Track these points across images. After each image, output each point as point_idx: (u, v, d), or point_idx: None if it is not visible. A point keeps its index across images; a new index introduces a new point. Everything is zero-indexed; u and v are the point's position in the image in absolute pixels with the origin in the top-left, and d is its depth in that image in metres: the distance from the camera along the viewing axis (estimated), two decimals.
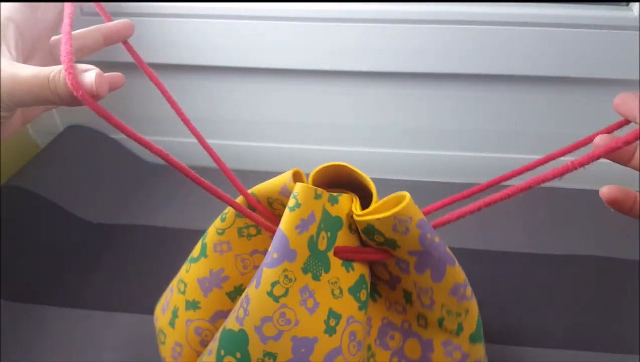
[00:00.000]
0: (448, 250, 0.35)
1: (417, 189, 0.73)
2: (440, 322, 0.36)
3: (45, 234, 0.65)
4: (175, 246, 0.66)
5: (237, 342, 0.32)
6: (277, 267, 0.32)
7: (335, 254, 0.35)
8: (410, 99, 0.69)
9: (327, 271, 0.34)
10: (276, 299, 0.32)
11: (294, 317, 0.32)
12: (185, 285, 0.39)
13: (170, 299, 0.40)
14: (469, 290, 0.35)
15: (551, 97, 0.68)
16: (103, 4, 0.42)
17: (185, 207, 0.71)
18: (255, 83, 0.72)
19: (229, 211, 0.38)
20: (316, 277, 0.34)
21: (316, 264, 0.34)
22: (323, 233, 0.34)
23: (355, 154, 0.74)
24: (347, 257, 0.35)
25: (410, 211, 0.32)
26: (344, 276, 0.35)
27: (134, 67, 0.42)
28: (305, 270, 0.33)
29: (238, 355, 0.32)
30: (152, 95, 0.80)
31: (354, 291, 0.35)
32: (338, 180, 0.38)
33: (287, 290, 0.32)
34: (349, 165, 0.36)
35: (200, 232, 0.70)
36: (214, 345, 0.33)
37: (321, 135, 0.74)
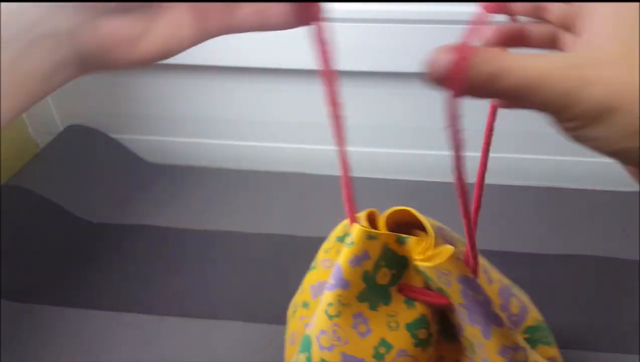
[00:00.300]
0: (496, 310, 0.36)
1: (418, 189, 0.74)
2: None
3: (45, 234, 0.65)
4: (176, 246, 0.66)
5: (306, 345, 0.38)
6: (332, 292, 0.36)
7: (399, 290, 0.38)
8: (410, 98, 0.69)
9: (386, 303, 0.38)
10: (330, 317, 0.37)
11: (344, 336, 0.37)
12: (302, 288, 0.43)
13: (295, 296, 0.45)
14: (521, 355, 0.36)
15: None
16: None
17: (186, 208, 0.71)
18: (255, 83, 0.72)
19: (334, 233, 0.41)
20: (373, 308, 0.37)
21: (374, 295, 0.37)
22: (385, 270, 0.37)
23: (356, 154, 0.74)
24: (409, 295, 0.38)
25: (450, 265, 0.34)
26: (404, 311, 0.38)
27: None
28: (360, 299, 0.37)
29: (306, 354, 0.38)
30: (148, 94, 0.80)
31: (412, 327, 0.37)
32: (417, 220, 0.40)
33: (339, 312, 0.36)
34: (412, 210, 0.38)
35: (202, 233, 0.70)
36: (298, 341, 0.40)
37: (322, 135, 0.74)
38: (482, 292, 0.35)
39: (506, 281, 0.43)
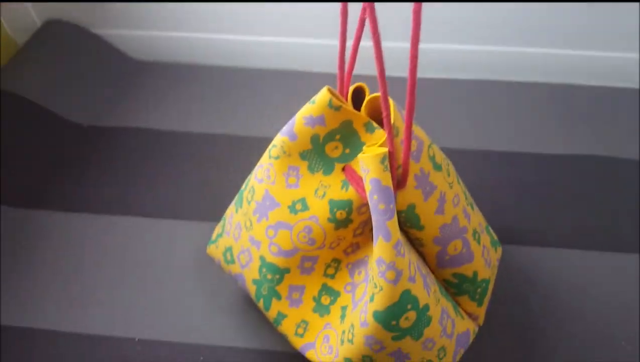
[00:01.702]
0: (391, 226, 0.34)
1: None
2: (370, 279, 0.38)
3: (36, 139, 0.63)
4: (167, 147, 0.64)
5: (249, 178, 0.43)
6: (280, 137, 0.39)
7: (342, 169, 0.38)
8: None
9: (326, 173, 0.39)
10: (270, 156, 0.40)
11: (273, 177, 0.40)
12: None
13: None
14: (390, 274, 0.35)
15: None
16: None
17: (176, 108, 0.69)
18: None
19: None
20: (311, 170, 0.39)
21: (317, 161, 0.38)
22: (338, 144, 0.38)
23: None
24: (347, 178, 0.38)
25: (369, 163, 0.33)
26: (337, 189, 0.38)
27: None
28: (302, 156, 0.38)
29: (246, 182, 0.43)
30: None
31: (334, 204, 0.38)
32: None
33: (278, 156, 0.39)
34: (391, 101, 0.36)
35: (193, 135, 0.68)
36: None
37: (314, 27, 0.70)
38: (388, 203, 0.34)
39: (476, 224, 0.42)
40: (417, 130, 0.37)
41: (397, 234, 0.34)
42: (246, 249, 0.42)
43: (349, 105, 0.37)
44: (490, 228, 0.47)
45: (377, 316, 0.35)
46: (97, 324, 0.48)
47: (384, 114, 0.33)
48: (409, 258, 0.36)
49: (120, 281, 0.52)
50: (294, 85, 0.71)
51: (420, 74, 0.71)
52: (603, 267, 0.52)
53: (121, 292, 0.51)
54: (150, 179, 0.61)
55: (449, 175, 0.39)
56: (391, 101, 0.35)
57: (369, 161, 0.33)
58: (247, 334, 0.48)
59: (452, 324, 0.40)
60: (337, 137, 0.37)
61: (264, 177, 0.40)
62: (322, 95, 0.36)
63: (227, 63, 0.75)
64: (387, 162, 0.33)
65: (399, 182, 0.36)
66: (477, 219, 0.43)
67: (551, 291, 0.51)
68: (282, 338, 0.47)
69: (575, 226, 0.56)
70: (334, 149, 0.38)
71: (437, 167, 0.38)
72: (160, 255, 0.54)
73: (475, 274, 0.42)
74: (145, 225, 0.57)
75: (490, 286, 0.45)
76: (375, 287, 0.35)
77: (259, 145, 0.63)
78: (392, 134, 0.33)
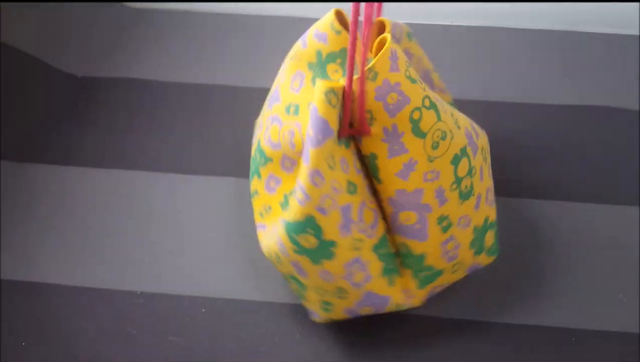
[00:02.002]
0: (312, 154, 0.35)
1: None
2: None
3: (28, 90, 0.62)
4: (163, 98, 0.63)
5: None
6: (296, 42, 0.42)
7: None
8: None
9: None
10: (288, 57, 0.43)
11: (284, 76, 0.42)
12: None
13: None
14: (299, 194, 0.36)
15: None
16: None
17: (171, 58, 0.67)
18: None
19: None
20: (312, 82, 0.40)
21: (319, 76, 0.40)
22: (337, 67, 0.40)
23: None
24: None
25: (315, 91, 0.34)
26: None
27: None
28: (309, 67, 0.41)
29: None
30: None
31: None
32: None
33: (291, 58, 0.42)
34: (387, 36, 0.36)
35: (191, 85, 0.67)
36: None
37: None
38: (317, 133, 0.34)
39: (458, 216, 0.41)
40: (413, 88, 0.36)
41: (318, 164, 0.34)
42: (256, 131, 0.47)
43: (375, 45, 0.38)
44: (495, 235, 0.45)
45: (283, 222, 0.37)
46: (98, 277, 0.49)
47: (349, 53, 0.33)
48: (327, 192, 0.35)
49: (119, 235, 0.52)
50: (295, 32, 0.69)
51: (418, 20, 0.69)
52: (602, 220, 0.52)
53: (121, 246, 0.51)
54: (147, 131, 0.60)
55: (435, 149, 0.37)
56: (389, 41, 0.35)
57: (316, 90, 0.34)
58: (248, 286, 0.48)
59: (366, 278, 0.40)
60: (338, 60, 0.39)
61: (279, 74, 0.44)
62: (328, 15, 0.39)
63: (225, 10, 0.73)
64: (332, 97, 0.34)
65: (358, 128, 0.36)
66: (465, 212, 0.41)
67: (549, 243, 0.51)
68: (284, 290, 0.47)
69: (575, 178, 0.55)
70: (334, 72, 0.39)
71: (419, 133, 0.36)
72: (160, 208, 0.54)
73: (422, 255, 0.41)
74: (144, 178, 0.56)
75: (448, 279, 0.44)
76: (288, 201, 0.38)
77: (258, 95, 0.62)
78: (363, 78, 0.34)
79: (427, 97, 0.37)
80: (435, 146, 0.37)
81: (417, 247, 0.40)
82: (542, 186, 0.55)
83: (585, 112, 0.61)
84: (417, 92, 0.36)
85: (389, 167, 0.37)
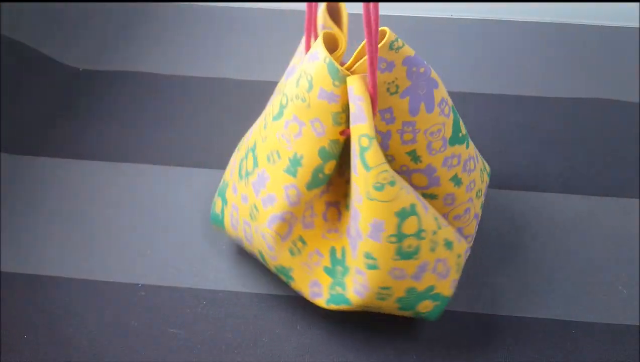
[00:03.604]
0: (433, 75, 0.38)
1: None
2: (430, 146, 0.39)
3: (31, 83, 0.62)
4: (164, 91, 0.63)
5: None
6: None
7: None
8: None
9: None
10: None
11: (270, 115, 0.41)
12: None
13: None
14: (449, 102, 0.40)
15: None
16: None
17: (173, 51, 0.68)
18: None
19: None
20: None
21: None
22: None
23: None
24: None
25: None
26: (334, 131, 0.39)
27: None
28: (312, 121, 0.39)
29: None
30: None
31: (323, 151, 0.39)
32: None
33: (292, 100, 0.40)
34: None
35: (192, 79, 0.67)
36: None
37: None
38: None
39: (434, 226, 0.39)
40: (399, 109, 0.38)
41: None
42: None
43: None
44: (437, 308, 0.42)
45: (452, 140, 0.40)
46: (99, 270, 0.49)
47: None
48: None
49: (121, 228, 0.52)
50: (298, 25, 0.69)
51: (420, 13, 0.69)
52: (602, 212, 0.52)
53: (122, 239, 0.51)
54: (148, 124, 0.60)
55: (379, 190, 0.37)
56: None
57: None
58: (248, 279, 0.48)
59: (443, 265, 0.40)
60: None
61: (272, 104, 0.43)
62: (327, 63, 0.36)
63: (227, 3, 0.73)
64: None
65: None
66: (402, 267, 0.39)
67: (549, 236, 0.51)
68: (282, 283, 0.47)
69: (575, 171, 0.55)
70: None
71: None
72: (161, 201, 0.54)
73: (347, 269, 0.42)
74: (145, 171, 0.56)
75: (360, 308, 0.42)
76: (440, 131, 0.40)
77: (261, 88, 0.62)
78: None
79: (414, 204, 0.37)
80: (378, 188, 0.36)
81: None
82: (543, 178, 0.55)
83: (585, 104, 0.61)
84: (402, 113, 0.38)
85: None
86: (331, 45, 0.39)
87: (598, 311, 0.46)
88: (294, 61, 0.44)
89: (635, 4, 0.68)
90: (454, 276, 0.41)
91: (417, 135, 0.39)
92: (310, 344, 0.45)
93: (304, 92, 0.37)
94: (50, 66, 0.64)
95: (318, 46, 0.37)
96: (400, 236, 0.37)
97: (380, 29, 0.36)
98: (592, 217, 0.52)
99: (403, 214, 0.37)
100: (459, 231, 0.44)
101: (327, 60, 0.36)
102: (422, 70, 0.37)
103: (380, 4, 0.32)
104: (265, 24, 0.70)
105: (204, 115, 0.61)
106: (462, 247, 0.41)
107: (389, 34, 0.36)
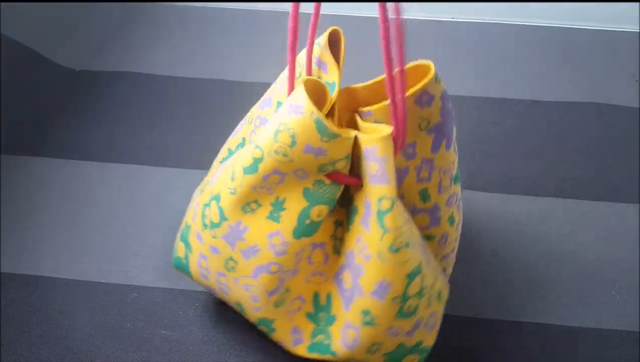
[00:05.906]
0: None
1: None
2: (440, 184, 0.37)
3: (28, 84, 0.62)
4: (161, 92, 0.63)
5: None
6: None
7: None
8: None
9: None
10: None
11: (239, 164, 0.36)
12: None
13: None
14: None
15: None
16: None
17: (170, 52, 0.68)
18: None
19: None
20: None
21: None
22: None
23: None
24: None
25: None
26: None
27: None
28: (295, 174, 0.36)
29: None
30: None
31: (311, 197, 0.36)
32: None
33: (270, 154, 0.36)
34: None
35: (190, 80, 0.67)
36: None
37: None
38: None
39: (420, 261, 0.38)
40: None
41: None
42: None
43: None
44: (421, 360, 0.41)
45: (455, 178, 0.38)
46: (93, 270, 0.49)
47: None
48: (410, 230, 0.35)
49: (116, 229, 0.52)
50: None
51: (419, 16, 0.69)
52: (598, 217, 0.52)
53: (117, 240, 0.51)
54: (145, 124, 0.60)
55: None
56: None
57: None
58: None
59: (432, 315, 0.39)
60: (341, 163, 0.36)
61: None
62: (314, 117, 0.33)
63: (224, 4, 0.73)
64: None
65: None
66: (398, 325, 0.37)
67: (543, 240, 0.51)
68: None
69: (571, 175, 0.55)
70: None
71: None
72: (156, 202, 0.54)
73: (334, 316, 0.40)
74: (141, 172, 0.56)
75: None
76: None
77: (257, 90, 0.62)
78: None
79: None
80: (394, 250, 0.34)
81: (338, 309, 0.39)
82: (539, 182, 0.55)
83: (582, 109, 0.61)
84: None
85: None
86: (316, 94, 0.35)
87: (594, 316, 0.46)
88: (273, 91, 0.41)
89: (634, 7, 0.68)
90: (438, 326, 0.40)
91: (433, 173, 0.36)
92: None
93: (286, 147, 0.33)
94: (47, 66, 0.64)
95: (300, 97, 0.33)
96: (405, 297, 0.35)
97: (425, 63, 0.34)
98: (586, 222, 0.52)
99: (412, 275, 0.35)
100: (443, 271, 0.41)
101: (314, 116, 0.32)
102: (450, 105, 0.35)
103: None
104: (263, 26, 0.70)
105: (201, 116, 0.61)
106: (446, 293, 0.40)
107: (432, 66, 0.33)
